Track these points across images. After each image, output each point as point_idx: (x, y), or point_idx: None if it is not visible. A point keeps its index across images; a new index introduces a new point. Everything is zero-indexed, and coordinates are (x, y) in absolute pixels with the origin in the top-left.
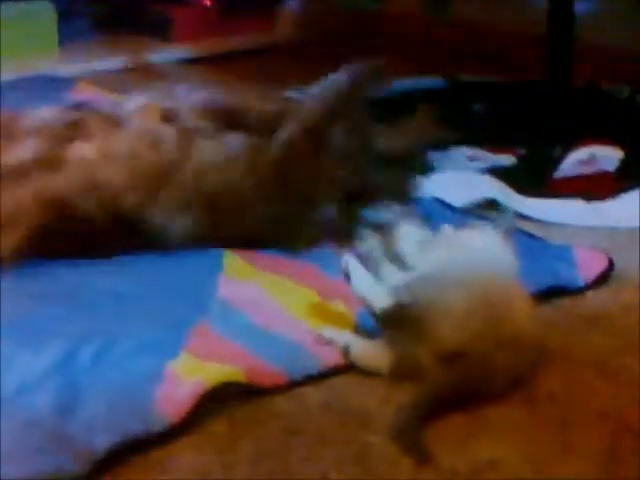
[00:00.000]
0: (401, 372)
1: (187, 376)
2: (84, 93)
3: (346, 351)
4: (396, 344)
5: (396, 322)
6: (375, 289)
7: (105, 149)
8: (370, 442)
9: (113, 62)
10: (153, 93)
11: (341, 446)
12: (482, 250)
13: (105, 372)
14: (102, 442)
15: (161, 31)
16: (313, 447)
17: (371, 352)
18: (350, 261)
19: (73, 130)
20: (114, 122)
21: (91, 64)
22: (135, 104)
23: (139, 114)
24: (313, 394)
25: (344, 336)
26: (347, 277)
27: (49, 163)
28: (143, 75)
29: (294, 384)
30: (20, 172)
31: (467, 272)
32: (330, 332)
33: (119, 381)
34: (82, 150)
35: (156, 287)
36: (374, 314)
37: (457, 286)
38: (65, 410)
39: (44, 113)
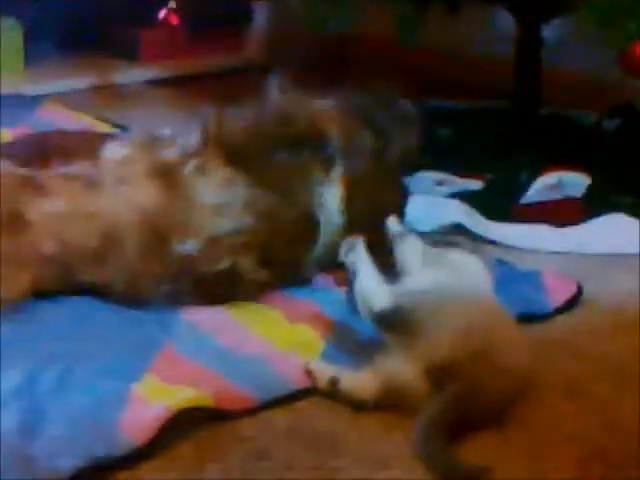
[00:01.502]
0: (389, 399)
1: (153, 399)
2: (51, 113)
3: (334, 383)
4: (383, 368)
5: (393, 325)
6: (379, 289)
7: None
8: (337, 466)
9: (80, 82)
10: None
11: (308, 471)
12: (474, 274)
13: (68, 395)
14: (66, 465)
15: (128, 51)
16: (280, 472)
17: (360, 383)
18: (360, 255)
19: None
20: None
21: (58, 84)
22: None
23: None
24: (280, 418)
25: (331, 368)
26: (353, 272)
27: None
28: (110, 95)
29: (261, 407)
30: None
31: (465, 292)
32: (317, 364)
33: (83, 404)
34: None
35: (118, 310)
36: (372, 313)
37: (457, 304)
38: (28, 432)
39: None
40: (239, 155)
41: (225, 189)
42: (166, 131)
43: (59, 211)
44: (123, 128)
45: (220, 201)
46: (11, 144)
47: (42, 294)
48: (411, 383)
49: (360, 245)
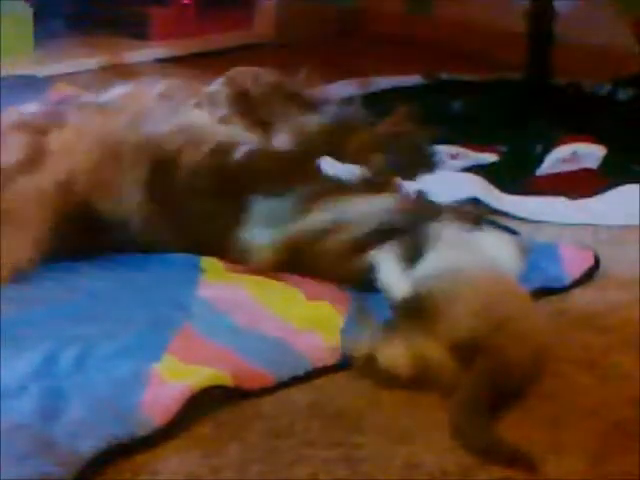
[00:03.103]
0: (419, 375)
1: (172, 379)
2: (62, 93)
3: (371, 359)
4: (413, 345)
5: (412, 312)
6: (400, 280)
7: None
8: (358, 443)
9: (90, 62)
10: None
11: (329, 448)
12: (492, 250)
13: (88, 376)
14: (87, 447)
15: (138, 30)
16: (301, 449)
17: (395, 359)
18: (384, 252)
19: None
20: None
21: (68, 64)
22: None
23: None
24: (300, 396)
25: (366, 343)
26: (376, 266)
27: (32, 160)
28: (121, 74)
29: (281, 385)
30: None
31: (481, 270)
32: (351, 340)
33: (103, 385)
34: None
35: (135, 290)
36: (393, 303)
37: (471, 283)
38: (49, 415)
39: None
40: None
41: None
42: None
43: (71, 137)
44: None
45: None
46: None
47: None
48: (439, 360)
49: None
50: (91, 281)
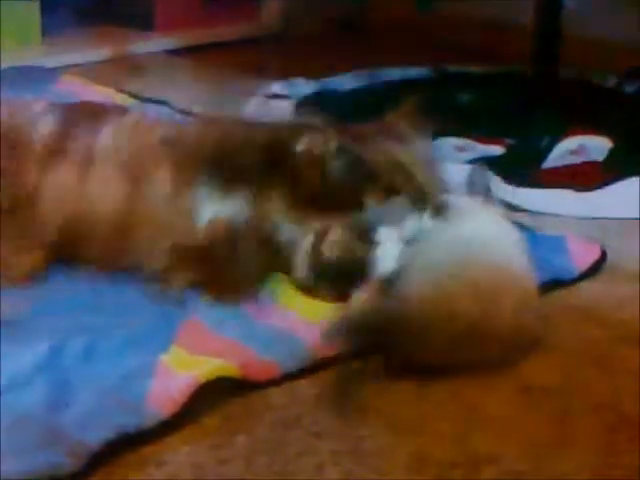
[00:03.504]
0: None
1: (180, 370)
2: (69, 85)
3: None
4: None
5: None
6: (390, 257)
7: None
8: (366, 435)
9: (97, 53)
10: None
11: (336, 439)
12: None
13: (95, 367)
14: (95, 438)
15: (144, 21)
16: (309, 440)
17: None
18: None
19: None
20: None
21: (75, 55)
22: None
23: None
24: (307, 387)
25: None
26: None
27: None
28: (127, 66)
29: (288, 377)
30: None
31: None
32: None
33: (110, 376)
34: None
35: (142, 281)
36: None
37: (452, 254)
38: (56, 406)
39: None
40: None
41: None
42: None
43: (64, 186)
44: (141, 99)
45: None
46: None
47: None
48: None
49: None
50: (96, 273)
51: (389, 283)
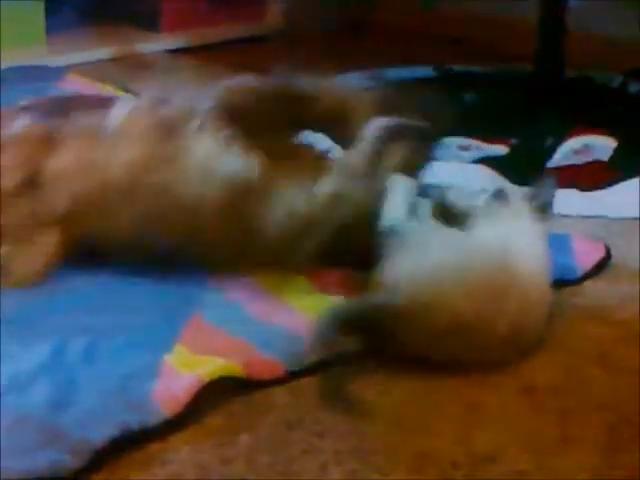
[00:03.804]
0: None
1: (184, 370)
2: (74, 83)
3: None
4: None
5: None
6: (398, 208)
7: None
8: (369, 433)
9: (101, 52)
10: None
11: (340, 439)
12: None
13: (98, 366)
14: (98, 436)
15: (149, 21)
16: (311, 440)
17: None
18: (397, 183)
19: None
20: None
21: (79, 54)
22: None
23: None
24: (310, 386)
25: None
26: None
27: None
28: (132, 66)
29: (291, 376)
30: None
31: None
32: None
33: (113, 375)
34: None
35: (144, 280)
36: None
37: (446, 246)
38: (59, 405)
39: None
40: (245, 121)
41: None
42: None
43: (70, 167)
44: None
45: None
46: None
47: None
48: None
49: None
50: (99, 272)
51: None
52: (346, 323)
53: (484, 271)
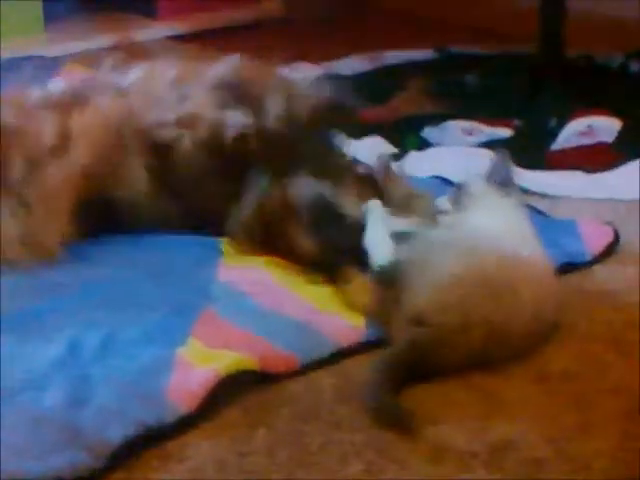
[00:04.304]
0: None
1: (198, 364)
2: (73, 74)
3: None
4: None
5: (386, 281)
6: (383, 245)
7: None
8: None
9: (100, 41)
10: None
11: (357, 431)
12: (500, 221)
13: (113, 362)
14: (116, 434)
15: (147, 8)
16: (329, 433)
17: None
18: (373, 209)
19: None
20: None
21: (77, 44)
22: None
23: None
24: (326, 378)
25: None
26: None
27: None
28: (131, 54)
29: (306, 368)
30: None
31: (470, 241)
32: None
33: (129, 371)
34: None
35: (154, 274)
36: (372, 270)
37: (454, 254)
38: (76, 403)
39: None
40: None
41: None
42: None
43: (92, 123)
44: None
45: None
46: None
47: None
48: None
49: (374, 203)
50: (110, 267)
51: (386, 275)
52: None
53: (496, 267)
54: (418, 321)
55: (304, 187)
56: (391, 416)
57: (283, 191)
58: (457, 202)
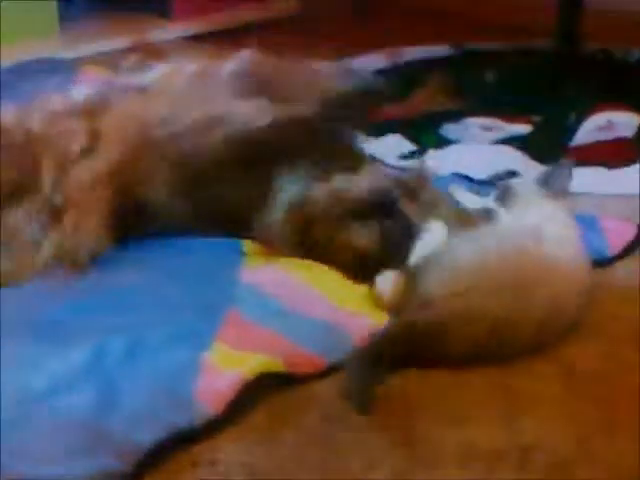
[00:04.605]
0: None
1: (225, 367)
2: (90, 76)
3: None
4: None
5: (411, 279)
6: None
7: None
8: (412, 426)
9: (115, 42)
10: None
11: (384, 431)
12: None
13: (140, 366)
14: (145, 438)
15: (162, 8)
16: (356, 432)
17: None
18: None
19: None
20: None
21: (93, 46)
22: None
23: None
24: None
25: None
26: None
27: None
28: (147, 54)
29: (332, 369)
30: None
31: (493, 237)
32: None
33: (156, 375)
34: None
35: (178, 277)
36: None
37: (472, 248)
38: (104, 407)
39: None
40: None
41: None
42: None
43: (118, 125)
44: None
45: None
46: None
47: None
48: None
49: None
50: (133, 271)
51: (413, 275)
52: (391, 350)
53: (512, 264)
54: (425, 305)
55: (367, 181)
56: (356, 397)
57: (330, 187)
58: (503, 202)
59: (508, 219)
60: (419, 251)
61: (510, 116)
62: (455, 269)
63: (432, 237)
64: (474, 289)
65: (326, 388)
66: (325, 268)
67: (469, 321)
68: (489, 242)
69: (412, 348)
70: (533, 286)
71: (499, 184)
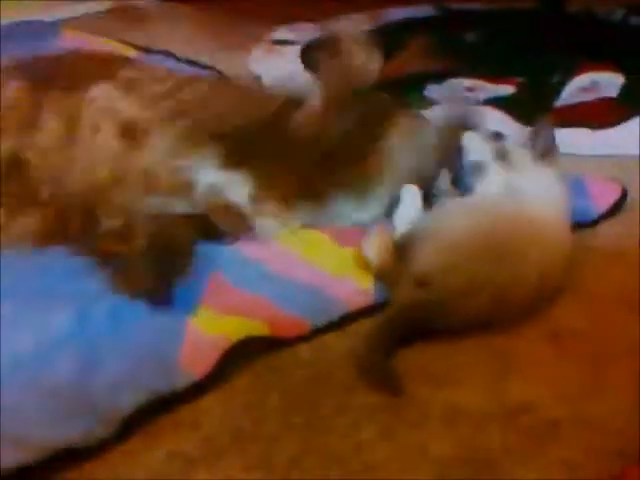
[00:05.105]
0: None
1: (209, 331)
2: (72, 39)
3: None
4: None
5: (403, 247)
6: (408, 220)
7: None
8: (399, 388)
9: (97, 4)
10: None
11: (370, 393)
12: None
13: (123, 331)
14: (128, 402)
15: None
16: (342, 395)
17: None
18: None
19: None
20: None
21: (75, 8)
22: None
23: None
24: (337, 342)
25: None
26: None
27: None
28: (130, 17)
29: (317, 332)
30: None
31: (487, 206)
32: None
33: (139, 339)
34: None
35: None
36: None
37: (464, 217)
38: (87, 372)
39: None
40: None
41: None
42: None
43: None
44: (146, 50)
45: None
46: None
47: None
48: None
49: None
50: None
51: (402, 246)
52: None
53: (505, 229)
54: (422, 282)
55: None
56: (380, 377)
57: None
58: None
59: (501, 179)
60: (401, 220)
61: (494, 77)
62: (450, 244)
63: (410, 204)
64: (472, 261)
65: (311, 351)
66: (308, 232)
67: (471, 293)
68: (479, 211)
69: (414, 326)
70: (526, 250)
71: (493, 145)
